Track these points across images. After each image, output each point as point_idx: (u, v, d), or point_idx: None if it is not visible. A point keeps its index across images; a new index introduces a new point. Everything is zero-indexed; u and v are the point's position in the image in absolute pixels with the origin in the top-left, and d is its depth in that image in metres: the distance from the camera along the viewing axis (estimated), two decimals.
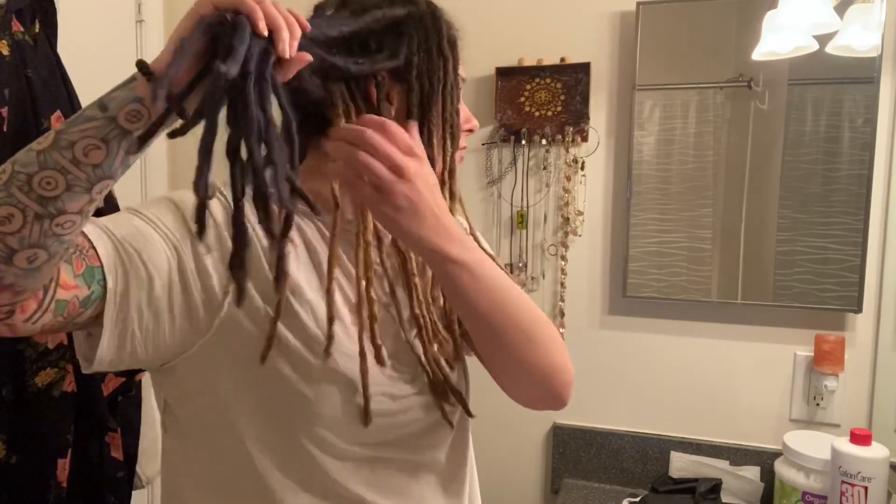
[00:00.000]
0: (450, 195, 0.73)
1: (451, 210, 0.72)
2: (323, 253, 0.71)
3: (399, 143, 0.61)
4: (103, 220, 0.64)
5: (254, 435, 0.68)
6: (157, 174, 1.77)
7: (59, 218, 0.51)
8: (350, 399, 0.69)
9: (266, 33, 0.51)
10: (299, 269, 0.69)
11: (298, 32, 0.54)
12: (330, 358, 0.67)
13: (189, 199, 0.67)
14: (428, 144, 0.70)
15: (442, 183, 0.72)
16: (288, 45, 0.52)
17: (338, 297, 0.69)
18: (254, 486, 0.69)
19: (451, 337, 0.77)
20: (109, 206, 1.31)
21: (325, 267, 0.69)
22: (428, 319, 0.74)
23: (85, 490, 1.21)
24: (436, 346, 0.75)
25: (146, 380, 1.43)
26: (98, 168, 0.52)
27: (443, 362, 0.75)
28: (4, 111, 1.09)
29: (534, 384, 0.72)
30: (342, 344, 0.68)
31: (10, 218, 0.50)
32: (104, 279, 0.59)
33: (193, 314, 0.64)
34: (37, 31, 1.19)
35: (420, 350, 0.73)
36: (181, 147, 1.79)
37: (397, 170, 0.60)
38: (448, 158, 0.73)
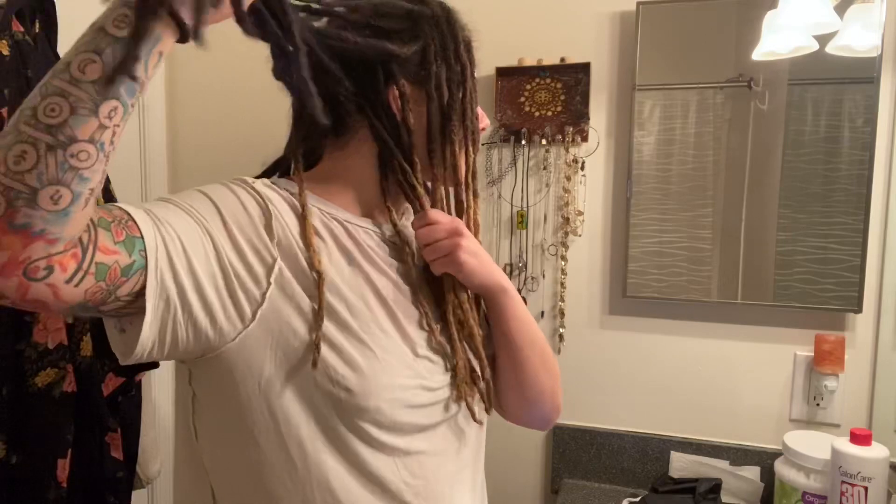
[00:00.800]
0: (473, 195, 0.80)
1: (476, 208, 0.80)
2: (356, 252, 0.74)
3: (446, 224, 0.75)
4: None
5: (294, 424, 0.68)
6: (158, 174, 1.77)
7: (72, 147, 0.49)
8: (390, 391, 0.70)
9: None
10: (332, 264, 0.71)
11: None
12: (373, 355, 0.70)
13: (218, 190, 0.68)
14: (450, 152, 0.76)
15: (466, 185, 0.79)
16: None
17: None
18: (290, 476, 0.70)
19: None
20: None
21: (363, 265, 0.74)
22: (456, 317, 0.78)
23: (85, 490, 1.21)
24: (464, 342, 0.79)
25: (146, 380, 1.43)
26: (97, 83, 0.50)
27: (470, 355, 0.79)
28: (4, 111, 1.08)
29: (541, 405, 0.85)
30: (380, 339, 0.71)
31: (24, 154, 0.48)
32: (145, 251, 0.57)
33: (236, 301, 0.64)
34: (37, 31, 1.19)
35: (448, 344, 0.77)
36: (182, 147, 1.79)
37: (454, 245, 0.75)
38: (471, 162, 0.79)
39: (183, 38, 0.53)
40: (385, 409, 0.69)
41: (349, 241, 0.73)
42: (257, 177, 0.77)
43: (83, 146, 0.50)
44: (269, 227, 0.67)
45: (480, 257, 0.77)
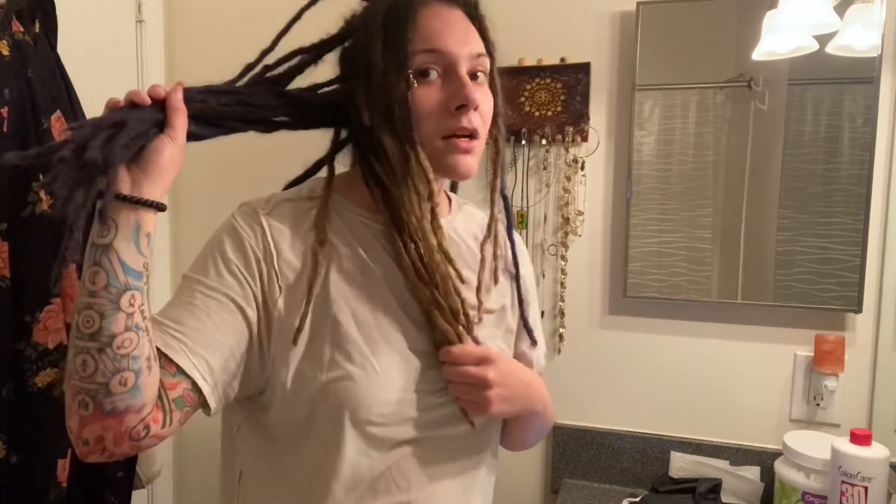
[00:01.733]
0: (416, 195, 0.73)
1: (423, 213, 0.73)
2: (364, 249, 0.76)
3: (472, 358, 0.73)
4: (168, 312, 0.70)
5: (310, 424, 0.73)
6: None
7: (115, 342, 0.60)
8: (394, 392, 0.73)
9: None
10: (342, 273, 0.74)
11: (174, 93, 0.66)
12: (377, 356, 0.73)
13: (226, 243, 0.73)
14: (378, 143, 0.73)
15: (406, 185, 0.72)
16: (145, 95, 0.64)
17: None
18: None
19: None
20: None
21: (373, 272, 0.75)
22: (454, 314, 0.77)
23: (85, 490, 1.21)
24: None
25: None
26: (108, 288, 0.60)
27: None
28: (4, 111, 1.09)
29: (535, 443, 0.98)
30: (380, 344, 0.73)
31: (85, 363, 0.60)
32: (193, 369, 0.67)
33: (279, 345, 0.72)
34: (37, 31, 1.19)
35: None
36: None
37: (483, 383, 0.72)
38: (408, 152, 0.71)
39: (160, 209, 0.63)
40: (384, 416, 0.72)
41: (360, 243, 0.76)
42: (294, 181, 0.84)
43: (123, 337, 0.60)
44: (270, 265, 0.73)
45: (512, 396, 0.77)
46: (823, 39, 1.28)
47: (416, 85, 0.70)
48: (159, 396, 0.64)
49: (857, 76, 1.33)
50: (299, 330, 0.71)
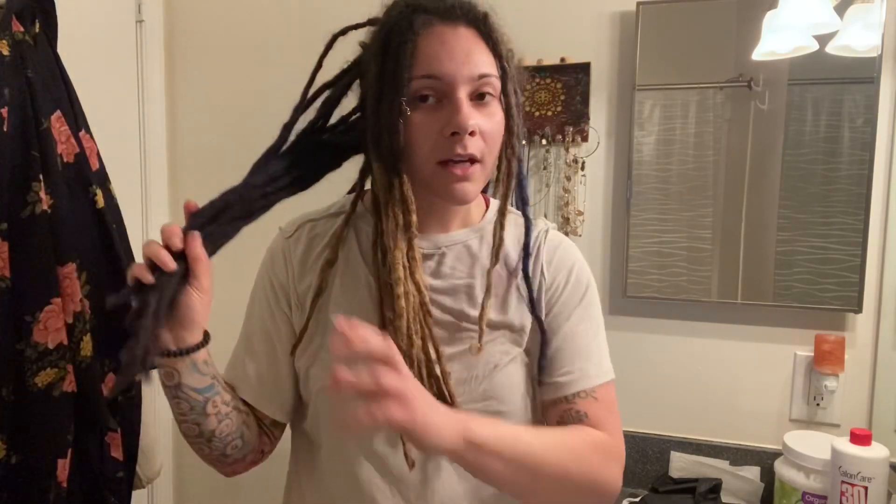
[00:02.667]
0: (402, 228, 0.72)
1: (399, 247, 0.72)
2: (367, 264, 0.79)
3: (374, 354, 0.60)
4: (242, 366, 0.84)
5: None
6: (158, 174, 1.77)
7: (216, 433, 0.76)
8: None
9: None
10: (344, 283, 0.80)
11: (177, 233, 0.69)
12: None
13: (271, 252, 0.85)
14: (370, 172, 0.77)
15: (392, 216, 0.72)
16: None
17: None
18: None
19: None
20: (114, 213, 1.31)
21: (368, 276, 0.79)
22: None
23: (85, 490, 1.21)
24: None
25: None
26: (192, 409, 0.73)
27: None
28: (4, 111, 1.09)
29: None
30: None
31: (202, 449, 0.78)
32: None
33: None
34: (37, 31, 1.19)
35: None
36: (182, 146, 1.79)
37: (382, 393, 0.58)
38: (392, 180, 0.71)
39: (206, 343, 0.73)
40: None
41: (366, 258, 0.79)
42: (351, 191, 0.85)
43: (220, 428, 0.76)
44: (292, 290, 0.82)
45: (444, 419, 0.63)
46: (823, 39, 1.28)
47: (409, 112, 0.69)
48: (260, 426, 0.83)
49: (857, 76, 1.32)
50: (297, 343, 0.80)
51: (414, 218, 0.72)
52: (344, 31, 0.79)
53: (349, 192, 0.85)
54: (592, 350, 0.82)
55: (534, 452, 0.69)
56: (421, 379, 0.71)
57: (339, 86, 0.79)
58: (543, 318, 0.80)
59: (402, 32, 0.69)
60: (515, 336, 0.79)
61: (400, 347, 0.67)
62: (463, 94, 0.69)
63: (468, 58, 0.70)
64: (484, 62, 0.71)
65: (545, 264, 0.82)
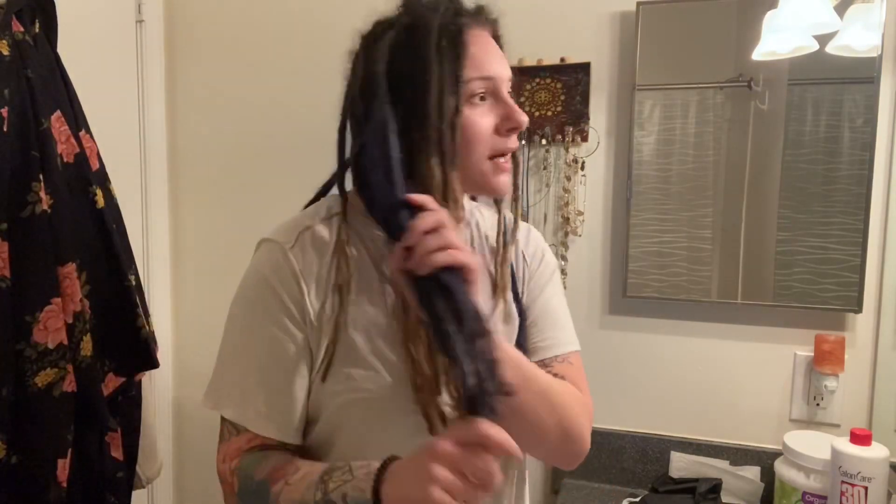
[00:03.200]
0: (452, 211, 0.72)
1: (457, 217, 0.72)
2: (376, 267, 0.78)
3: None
4: (268, 401, 0.77)
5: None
6: (158, 174, 1.77)
7: None
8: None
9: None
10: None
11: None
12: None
13: (274, 267, 0.76)
14: (417, 165, 0.71)
15: (444, 201, 0.71)
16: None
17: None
18: None
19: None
20: (114, 213, 1.31)
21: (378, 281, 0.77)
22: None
23: (85, 490, 1.21)
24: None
25: (146, 380, 1.43)
26: None
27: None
28: (4, 111, 1.09)
29: (544, 445, 0.81)
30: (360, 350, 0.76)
31: None
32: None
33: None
34: (37, 31, 1.19)
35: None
36: (181, 145, 1.79)
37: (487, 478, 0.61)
38: (438, 182, 0.71)
39: None
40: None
41: (373, 261, 0.77)
42: (313, 200, 0.83)
43: None
44: (304, 304, 0.75)
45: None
46: (823, 39, 1.28)
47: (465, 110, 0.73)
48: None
49: (857, 76, 1.32)
50: (327, 368, 0.75)
51: (462, 214, 0.75)
52: (375, 32, 0.75)
53: (318, 195, 0.84)
54: (564, 321, 0.89)
55: (549, 384, 0.78)
56: None
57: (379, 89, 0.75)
58: (523, 296, 0.87)
59: (455, 35, 0.73)
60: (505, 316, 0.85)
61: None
62: (506, 91, 0.76)
63: (503, 60, 0.78)
64: (508, 65, 0.79)
65: (524, 248, 0.89)
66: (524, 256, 0.88)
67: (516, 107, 0.76)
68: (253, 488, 0.72)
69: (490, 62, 0.75)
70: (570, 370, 0.85)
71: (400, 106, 0.71)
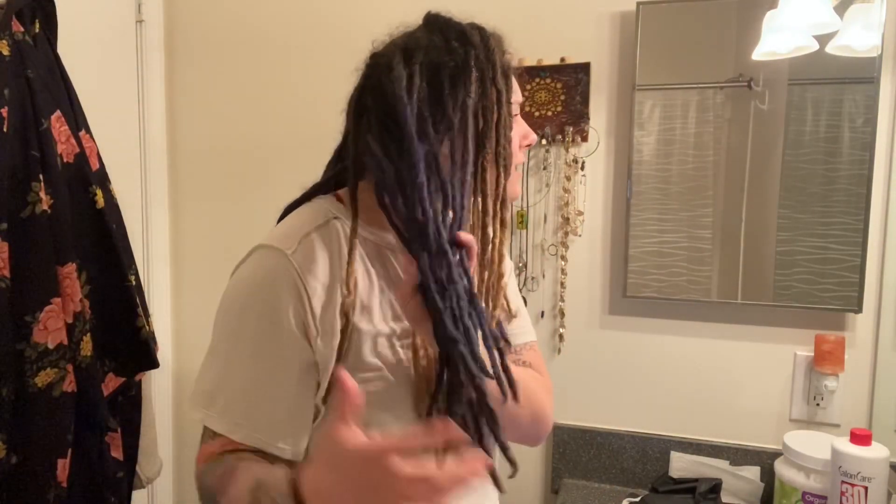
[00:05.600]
0: (500, 224, 0.78)
1: (501, 237, 0.79)
2: (376, 270, 0.79)
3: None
4: (271, 417, 0.75)
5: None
6: (158, 174, 1.77)
7: None
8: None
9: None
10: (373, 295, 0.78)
11: None
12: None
13: (261, 304, 0.75)
14: (481, 179, 0.76)
15: (494, 213, 0.78)
16: None
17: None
18: None
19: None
20: (114, 213, 1.31)
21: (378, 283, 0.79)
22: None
23: (85, 490, 1.21)
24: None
25: (146, 380, 1.43)
26: None
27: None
28: (4, 111, 1.09)
29: (525, 437, 0.90)
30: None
31: None
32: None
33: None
34: (37, 31, 1.19)
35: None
36: (181, 145, 1.79)
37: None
38: (500, 190, 0.78)
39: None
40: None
41: (374, 264, 0.79)
42: (295, 202, 0.84)
43: None
44: (308, 311, 0.74)
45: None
46: (823, 39, 1.28)
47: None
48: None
49: (857, 76, 1.33)
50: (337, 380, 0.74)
51: (508, 214, 0.81)
52: (409, 54, 0.76)
53: (297, 203, 0.84)
54: (525, 312, 0.97)
55: (525, 381, 0.83)
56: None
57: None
58: None
59: (500, 55, 0.81)
60: None
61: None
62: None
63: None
64: None
65: None
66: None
67: (528, 126, 0.86)
68: (207, 494, 0.72)
69: (517, 87, 0.85)
70: (534, 356, 0.94)
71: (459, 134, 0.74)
